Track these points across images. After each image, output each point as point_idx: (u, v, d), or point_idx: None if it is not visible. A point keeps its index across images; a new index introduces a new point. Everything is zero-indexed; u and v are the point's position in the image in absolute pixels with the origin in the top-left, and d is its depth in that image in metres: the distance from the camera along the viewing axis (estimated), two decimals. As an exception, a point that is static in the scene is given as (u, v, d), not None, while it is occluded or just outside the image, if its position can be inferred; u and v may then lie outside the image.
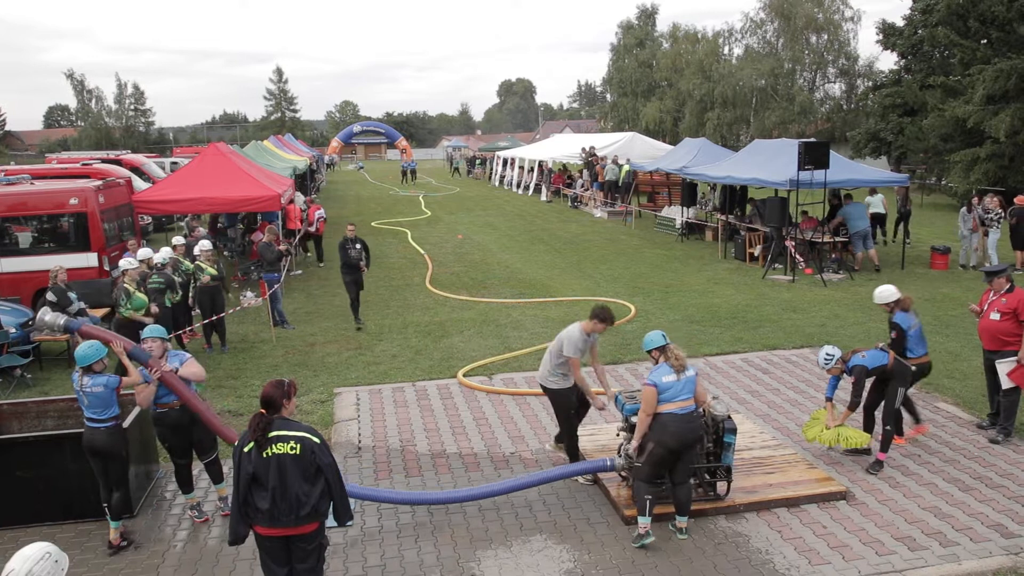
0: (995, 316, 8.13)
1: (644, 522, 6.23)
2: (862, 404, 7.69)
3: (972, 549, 6.12)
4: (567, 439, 7.59)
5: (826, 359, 7.73)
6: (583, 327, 7.34)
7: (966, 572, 5.85)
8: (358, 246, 13.24)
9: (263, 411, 4.91)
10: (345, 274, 13.28)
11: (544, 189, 36.44)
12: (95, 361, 6.28)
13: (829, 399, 7.74)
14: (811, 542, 6.26)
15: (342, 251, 13.20)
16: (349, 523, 5.22)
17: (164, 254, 11.62)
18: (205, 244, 12.29)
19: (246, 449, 4.86)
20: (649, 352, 6.67)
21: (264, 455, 4.82)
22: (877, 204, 19.61)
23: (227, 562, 6.16)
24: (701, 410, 6.70)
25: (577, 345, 7.25)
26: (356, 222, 17.65)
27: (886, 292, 8.02)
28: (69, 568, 3.50)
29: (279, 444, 4.84)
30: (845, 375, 7.72)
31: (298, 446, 4.85)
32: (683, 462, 6.29)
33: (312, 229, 19.83)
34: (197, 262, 11.93)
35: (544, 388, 7.56)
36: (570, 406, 7.47)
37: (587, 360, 7.62)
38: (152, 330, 6.89)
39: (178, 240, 13.00)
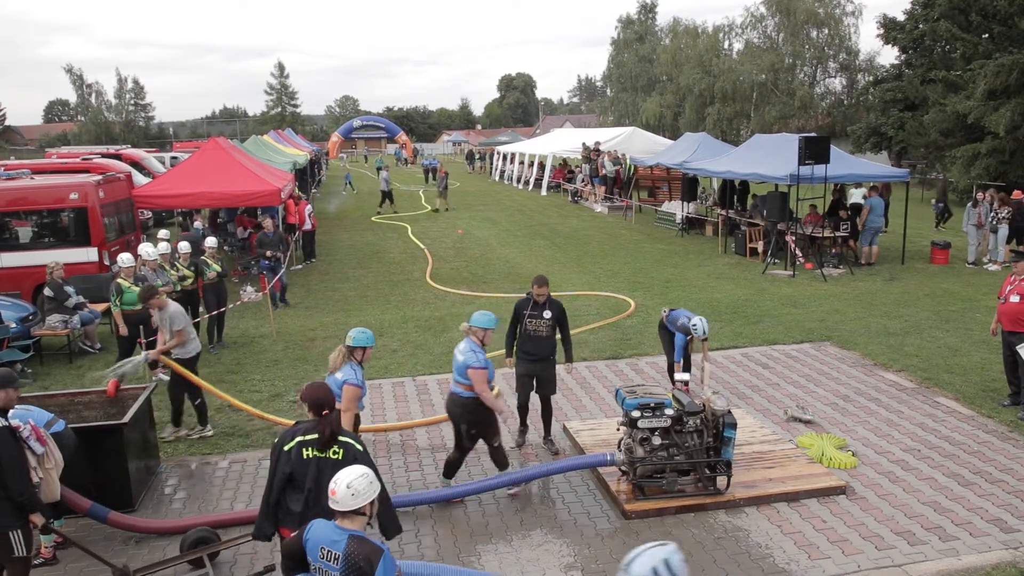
0: (1015, 299, 8.47)
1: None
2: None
3: (972, 544, 6.13)
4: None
5: None
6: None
7: (966, 567, 5.85)
8: (547, 315, 7.61)
9: (326, 412, 4.67)
10: (520, 361, 7.73)
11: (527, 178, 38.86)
12: None
13: None
14: (811, 536, 6.27)
15: (518, 321, 7.70)
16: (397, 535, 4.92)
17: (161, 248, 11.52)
18: (211, 241, 12.30)
19: (287, 448, 4.67)
20: (364, 349, 6.45)
21: (305, 456, 4.62)
22: (858, 196, 19.77)
23: (227, 555, 6.17)
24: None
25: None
26: (355, 216, 17.34)
27: None
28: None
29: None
30: None
31: (341, 451, 4.65)
32: None
33: (308, 227, 18.96)
34: (203, 258, 11.96)
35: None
36: None
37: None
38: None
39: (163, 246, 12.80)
